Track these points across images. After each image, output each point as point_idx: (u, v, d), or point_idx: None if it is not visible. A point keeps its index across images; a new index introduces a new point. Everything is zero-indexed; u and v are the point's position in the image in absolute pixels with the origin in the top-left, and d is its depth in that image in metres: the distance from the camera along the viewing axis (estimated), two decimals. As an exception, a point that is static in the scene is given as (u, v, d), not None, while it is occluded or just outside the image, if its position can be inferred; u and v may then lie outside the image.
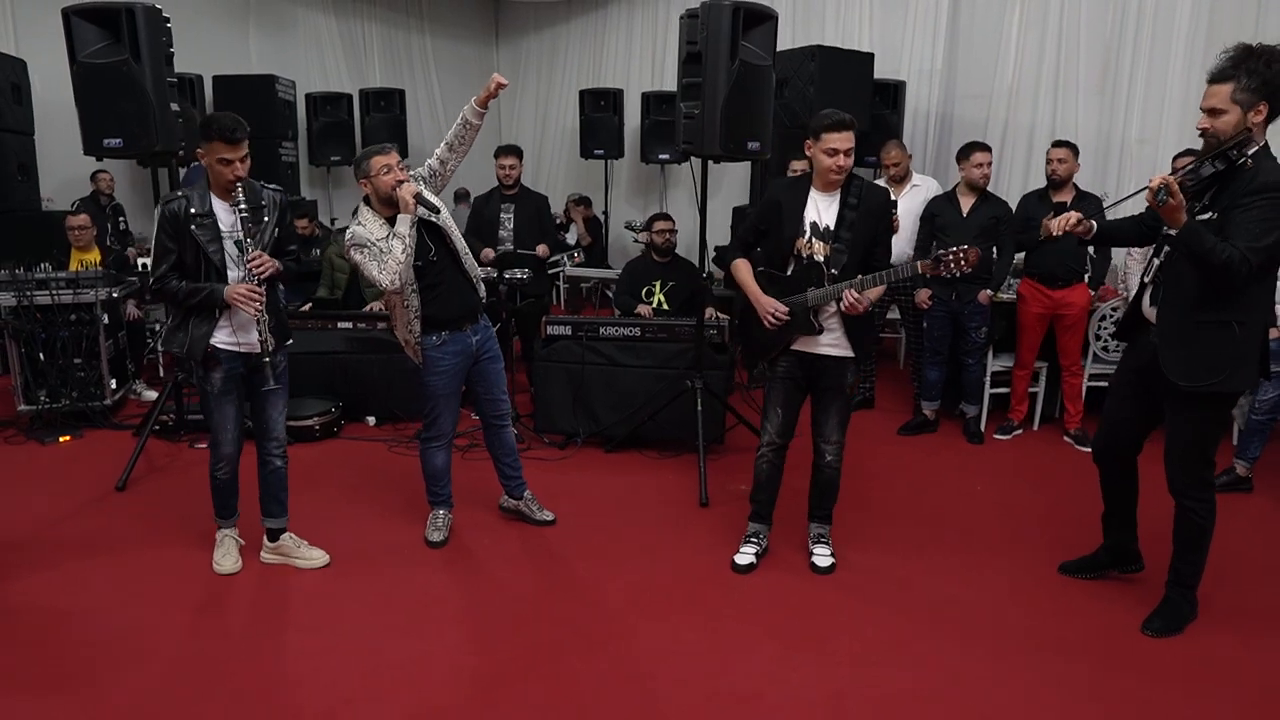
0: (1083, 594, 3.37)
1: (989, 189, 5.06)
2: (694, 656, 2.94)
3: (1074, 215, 3.02)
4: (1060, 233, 2.99)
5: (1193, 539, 3.03)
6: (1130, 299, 3.22)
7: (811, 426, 3.51)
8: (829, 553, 3.56)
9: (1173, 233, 2.76)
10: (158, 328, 6.01)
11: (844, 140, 3.16)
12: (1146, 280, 3.04)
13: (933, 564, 3.62)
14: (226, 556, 3.50)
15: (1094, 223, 3.10)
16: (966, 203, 4.99)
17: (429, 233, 3.48)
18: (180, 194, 3.19)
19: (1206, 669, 2.89)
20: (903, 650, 2.99)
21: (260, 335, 3.21)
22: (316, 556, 3.56)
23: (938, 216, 5.04)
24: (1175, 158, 4.88)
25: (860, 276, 3.17)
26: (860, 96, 6.46)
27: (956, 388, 5.33)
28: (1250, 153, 2.72)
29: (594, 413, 4.93)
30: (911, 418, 5.41)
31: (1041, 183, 5.09)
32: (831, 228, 3.26)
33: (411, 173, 3.54)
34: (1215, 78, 2.74)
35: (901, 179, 5.54)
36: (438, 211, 3.50)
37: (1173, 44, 6.05)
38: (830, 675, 2.85)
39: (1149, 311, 3.01)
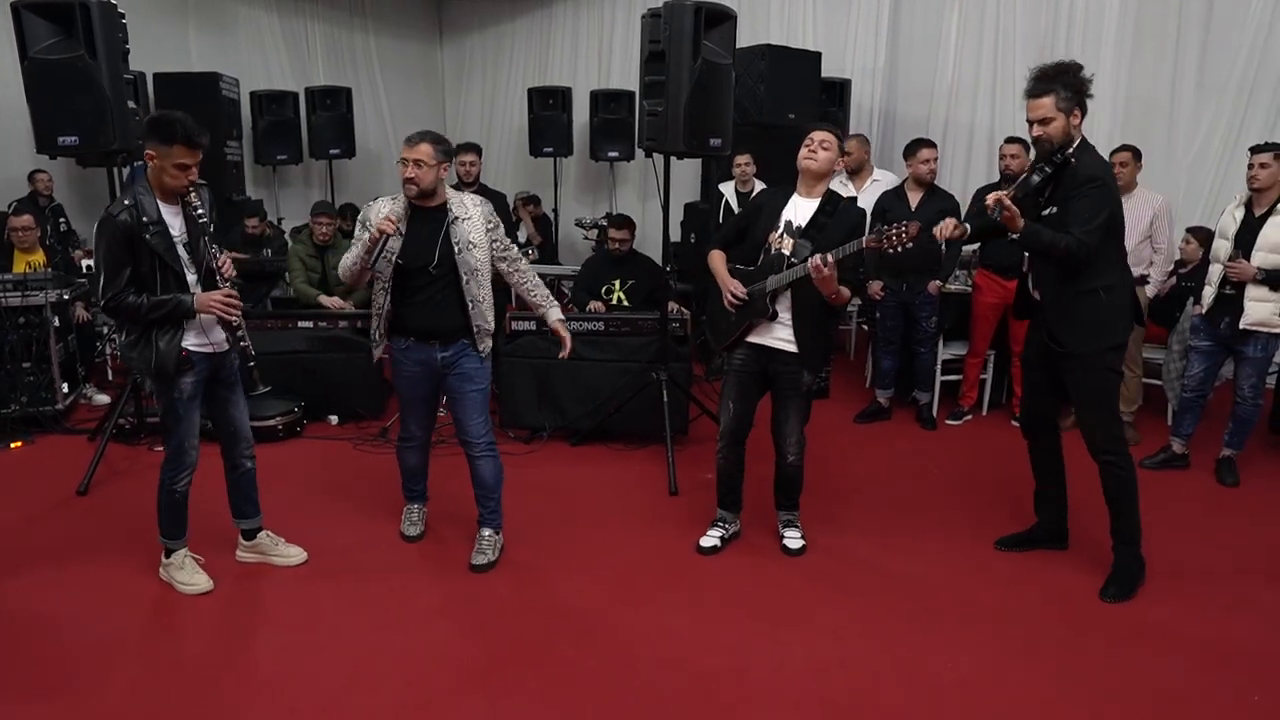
0: (1034, 566, 3.55)
1: (935, 184, 5.26)
2: (678, 639, 3.03)
3: (951, 222, 3.39)
4: (944, 239, 3.36)
5: (1120, 494, 3.31)
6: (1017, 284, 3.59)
7: (771, 425, 3.63)
8: (799, 535, 3.69)
9: (1014, 236, 3.17)
10: (106, 331, 5.88)
11: (820, 134, 3.42)
12: (1025, 269, 3.51)
13: (896, 544, 3.77)
14: (197, 574, 3.32)
15: (967, 226, 3.47)
16: (915, 197, 5.18)
17: (442, 244, 3.34)
18: (127, 203, 2.96)
19: (1154, 632, 3.09)
20: (878, 625, 3.13)
21: (243, 340, 3.14)
22: (294, 554, 3.55)
23: (888, 211, 5.21)
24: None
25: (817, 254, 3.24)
26: (809, 94, 6.63)
27: (909, 376, 5.52)
28: (1070, 151, 3.16)
29: (560, 406, 4.99)
30: (866, 406, 5.58)
31: (982, 178, 5.31)
32: (803, 226, 3.41)
33: (477, 206, 3.44)
34: (1035, 93, 3.17)
35: (858, 171, 5.73)
36: (431, 261, 3.33)
37: (1102, 46, 6.35)
38: (812, 651, 2.97)
39: (1035, 293, 3.43)
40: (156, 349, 3.05)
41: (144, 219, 2.96)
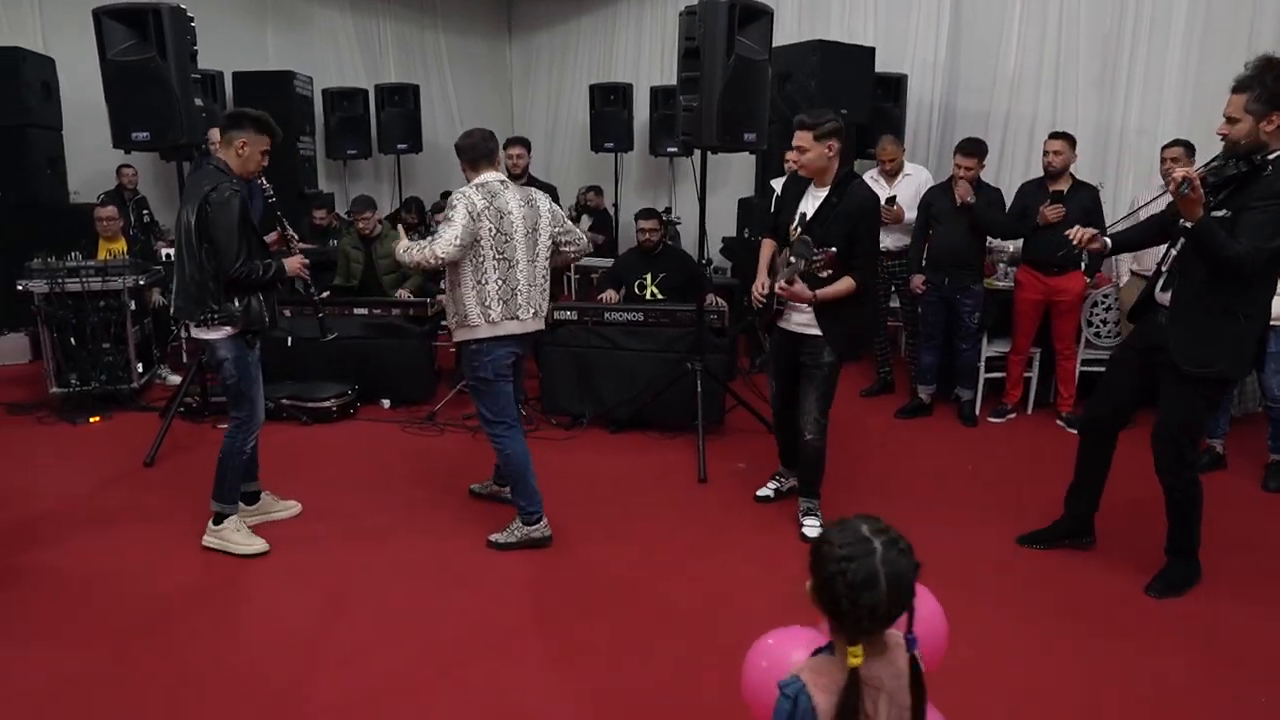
0: (1055, 563, 3.53)
1: (982, 179, 5.21)
2: (688, 620, 3.13)
3: (1088, 232, 3.22)
4: (1081, 246, 3.21)
5: (1181, 513, 3.24)
6: (1142, 284, 3.41)
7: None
8: (817, 524, 3.74)
9: (1188, 225, 2.89)
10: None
11: (798, 139, 3.52)
12: (1163, 269, 3.22)
13: (915, 538, 3.73)
14: (253, 536, 3.57)
15: (1108, 240, 3.30)
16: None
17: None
18: (234, 183, 3.34)
19: (1166, 629, 3.07)
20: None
21: (314, 295, 3.93)
22: (291, 504, 3.93)
23: (932, 205, 5.21)
24: (1164, 148, 4.98)
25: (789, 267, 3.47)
26: (861, 90, 6.60)
27: (953, 373, 5.48)
28: (1271, 158, 2.87)
29: (599, 394, 5.12)
30: (908, 401, 5.56)
31: (1041, 172, 5.22)
32: (810, 217, 3.51)
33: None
34: (1236, 87, 2.91)
35: (896, 173, 5.70)
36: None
37: (1171, 37, 6.14)
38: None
39: (1161, 297, 3.19)
40: (265, 308, 3.47)
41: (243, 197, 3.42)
